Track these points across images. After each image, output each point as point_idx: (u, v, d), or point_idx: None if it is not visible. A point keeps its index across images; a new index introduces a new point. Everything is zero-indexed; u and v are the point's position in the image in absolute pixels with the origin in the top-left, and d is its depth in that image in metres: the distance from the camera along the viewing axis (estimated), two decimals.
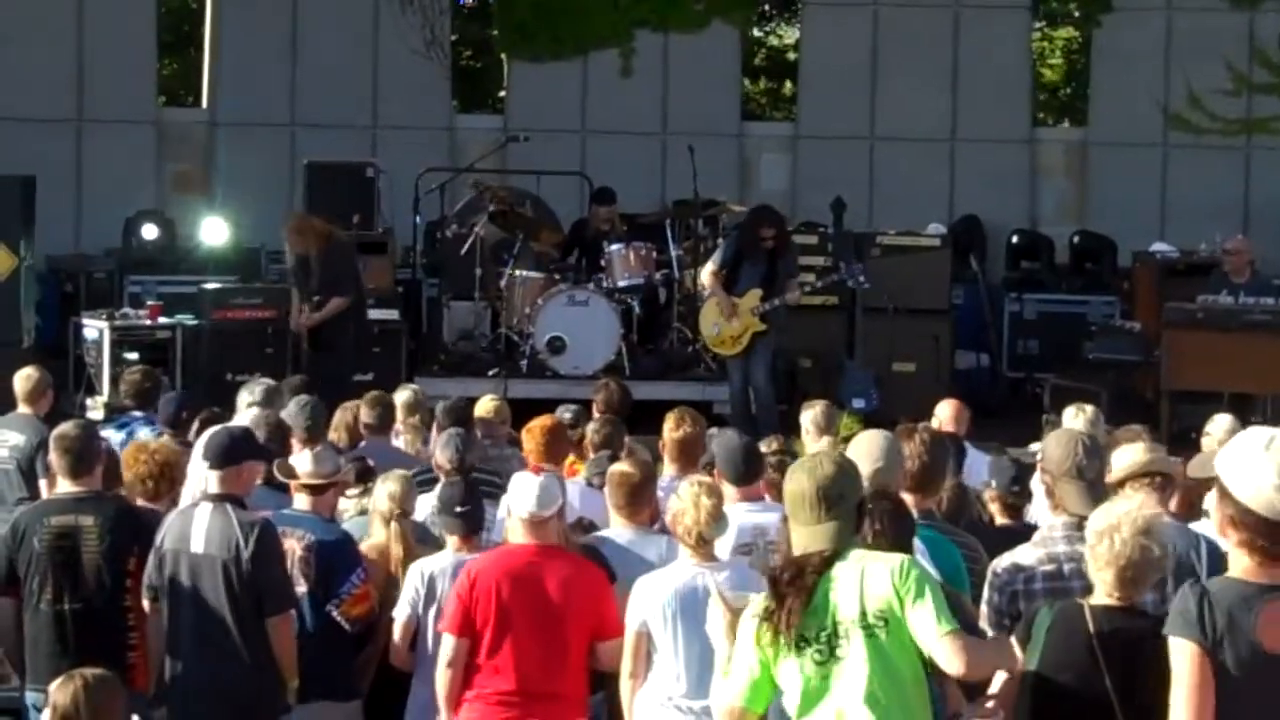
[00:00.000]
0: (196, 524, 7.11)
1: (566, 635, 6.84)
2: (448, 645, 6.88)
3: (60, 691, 5.85)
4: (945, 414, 9.51)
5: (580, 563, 7.00)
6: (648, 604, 6.73)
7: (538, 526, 6.92)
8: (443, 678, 6.88)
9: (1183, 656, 4.51)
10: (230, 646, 7.07)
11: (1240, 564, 4.54)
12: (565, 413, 9.82)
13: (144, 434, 9.73)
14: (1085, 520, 5.89)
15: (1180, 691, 4.51)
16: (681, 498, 6.81)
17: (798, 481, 5.21)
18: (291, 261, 14.20)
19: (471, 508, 7.34)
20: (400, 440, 10.07)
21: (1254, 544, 4.51)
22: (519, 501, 6.91)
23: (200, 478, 9.17)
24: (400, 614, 7.27)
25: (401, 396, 10.42)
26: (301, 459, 7.73)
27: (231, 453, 7.30)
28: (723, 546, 7.16)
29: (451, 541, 7.36)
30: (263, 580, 7.04)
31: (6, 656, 7.62)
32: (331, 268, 13.89)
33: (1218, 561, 5.93)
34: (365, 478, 8.39)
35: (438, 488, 7.71)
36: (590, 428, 9.52)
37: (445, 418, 9.33)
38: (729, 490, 7.49)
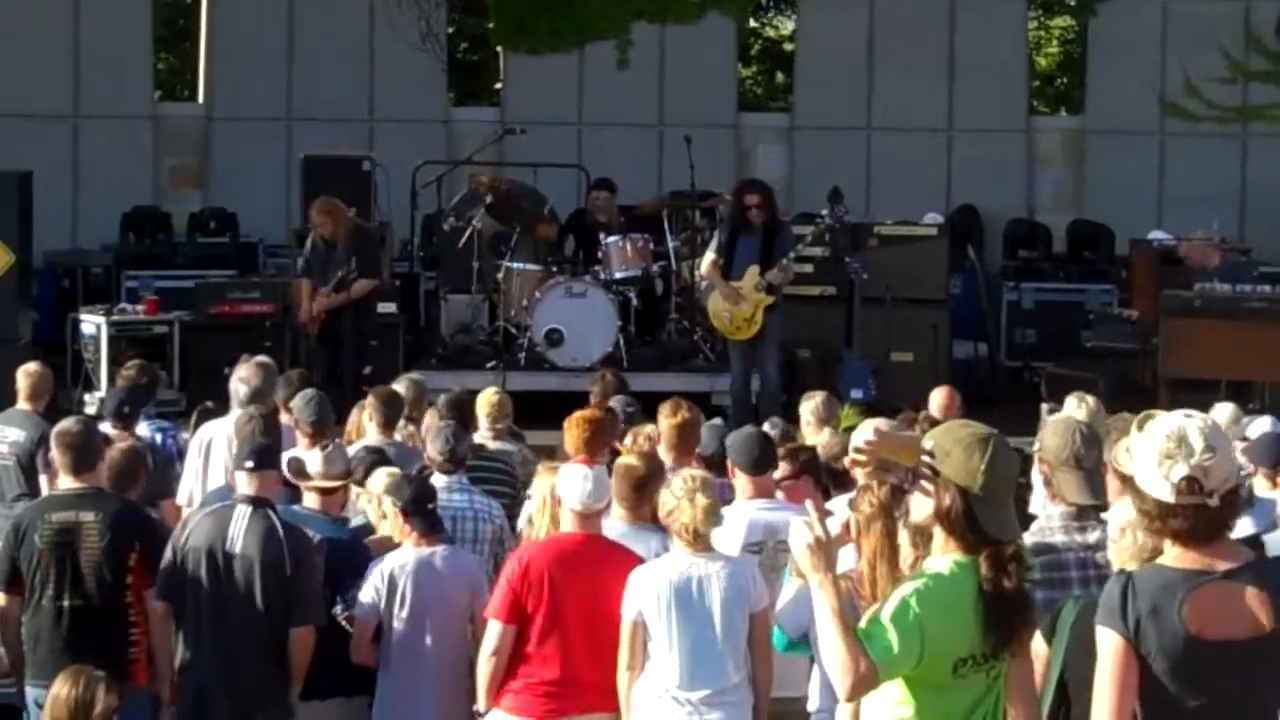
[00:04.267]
0: (235, 524, 7.14)
1: (612, 625, 6.80)
2: (494, 632, 6.83)
3: (61, 688, 5.88)
4: (936, 401, 9.57)
5: (624, 552, 6.97)
6: (643, 595, 6.72)
7: (587, 519, 6.91)
8: (486, 665, 6.84)
9: (1104, 646, 4.52)
10: (251, 646, 7.14)
11: (1167, 553, 4.56)
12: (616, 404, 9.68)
13: (141, 429, 9.72)
14: (1084, 509, 5.91)
15: (1101, 681, 4.51)
16: (675, 494, 6.78)
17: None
18: (311, 246, 13.96)
19: (430, 507, 7.35)
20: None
21: (1162, 528, 4.53)
22: (569, 493, 6.88)
23: (196, 473, 9.24)
24: (361, 611, 7.29)
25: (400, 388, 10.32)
26: (312, 458, 7.73)
27: (267, 457, 7.36)
28: (732, 543, 7.16)
29: (410, 538, 7.37)
30: (299, 590, 7.10)
31: (11, 653, 7.62)
32: (364, 249, 13.85)
33: None
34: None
35: (392, 484, 7.61)
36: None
37: (448, 410, 9.30)
38: (741, 480, 7.48)
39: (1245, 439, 8.07)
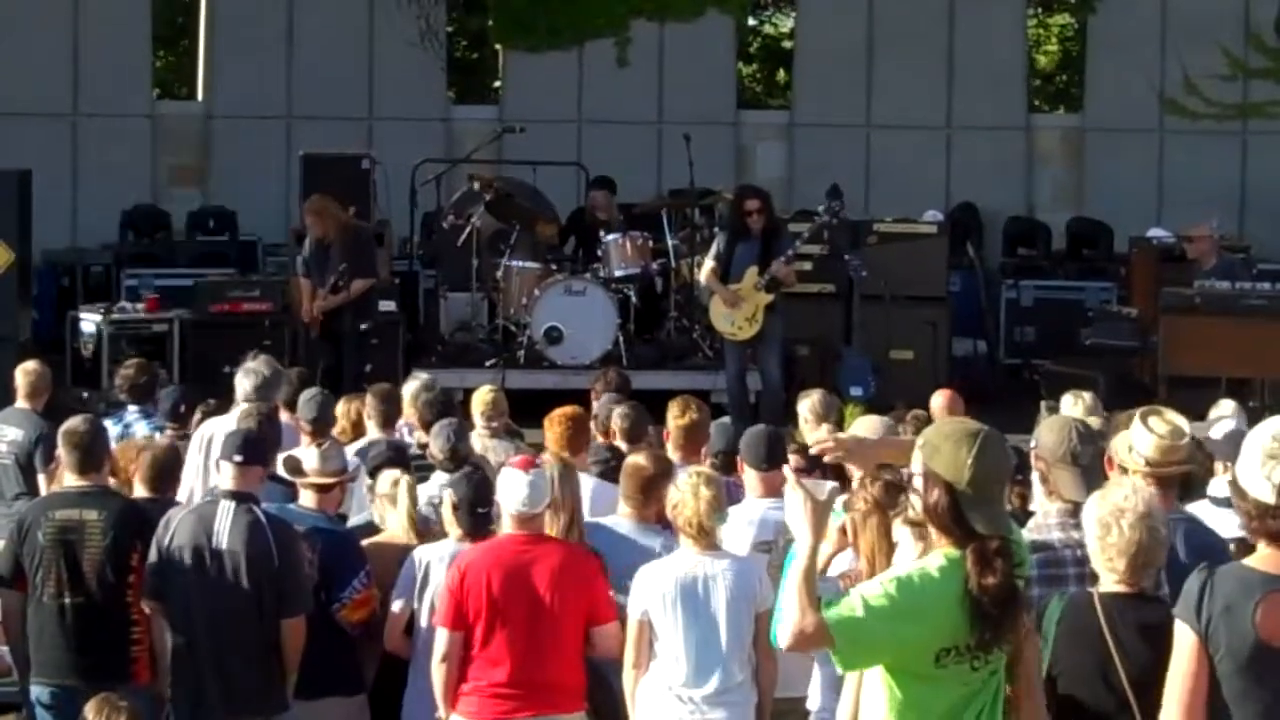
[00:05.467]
0: (219, 520, 7.12)
1: (561, 623, 6.81)
2: (441, 639, 6.84)
3: (85, 714, 5.93)
4: (937, 404, 9.54)
5: (571, 549, 6.97)
6: (649, 593, 6.73)
7: (526, 523, 6.90)
8: (438, 672, 6.85)
9: (1180, 640, 4.54)
10: (242, 641, 7.13)
11: (1257, 553, 4.57)
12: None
13: (140, 428, 9.72)
14: (1080, 506, 5.91)
15: (1174, 675, 4.54)
16: (680, 489, 6.79)
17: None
18: (308, 246, 13.92)
19: (490, 510, 7.33)
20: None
21: (1259, 528, 4.53)
22: (508, 498, 6.87)
23: (196, 470, 9.24)
24: (396, 601, 7.28)
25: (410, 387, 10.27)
26: (309, 455, 7.70)
27: (254, 451, 7.33)
28: (742, 541, 7.17)
29: (454, 533, 7.36)
30: (287, 582, 7.09)
31: (14, 649, 7.63)
32: (356, 249, 13.82)
33: (1198, 543, 5.99)
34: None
35: (451, 480, 7.62)
36: (617, 413, 9.05)
37: (428, 411, 9.27)
38: (752, 479, 7.48)
39: (1210, 438, 8.05)
